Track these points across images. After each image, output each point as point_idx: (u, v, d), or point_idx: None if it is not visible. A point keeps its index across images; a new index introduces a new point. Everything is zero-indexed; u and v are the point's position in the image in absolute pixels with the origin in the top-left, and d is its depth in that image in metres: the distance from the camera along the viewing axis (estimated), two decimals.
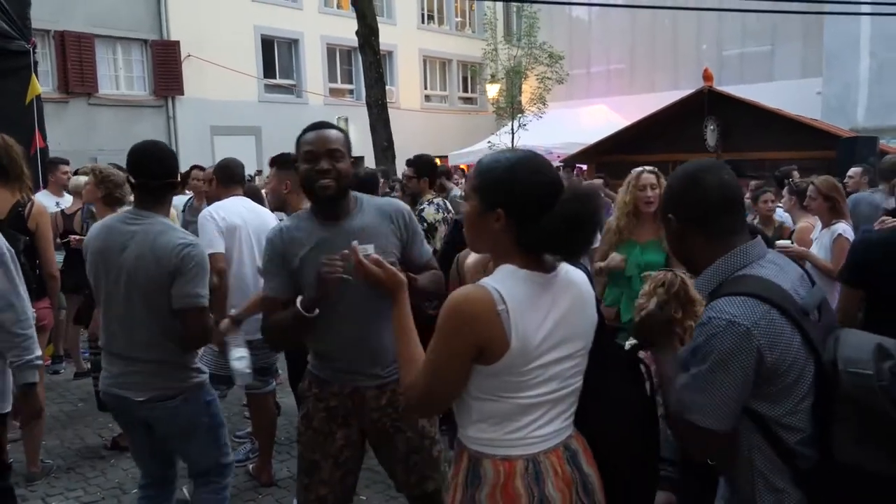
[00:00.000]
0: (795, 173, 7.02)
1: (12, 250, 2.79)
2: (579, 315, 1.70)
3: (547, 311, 1.62)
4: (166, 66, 16.03)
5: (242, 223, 3.95)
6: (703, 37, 18.66)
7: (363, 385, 2.43)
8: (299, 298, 2.26)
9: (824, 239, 4.55)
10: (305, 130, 2.41)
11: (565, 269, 1.73)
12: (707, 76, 11.39)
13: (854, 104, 15.65)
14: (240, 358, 3.40)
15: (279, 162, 3.84)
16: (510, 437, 1.63)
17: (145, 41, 15.91)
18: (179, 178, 2.85)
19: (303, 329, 2.32)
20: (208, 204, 6.01)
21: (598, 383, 1.76)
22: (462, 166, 17.19)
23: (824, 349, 1.56)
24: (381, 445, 2.56)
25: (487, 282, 1.61)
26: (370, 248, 2.06)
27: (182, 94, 16.30)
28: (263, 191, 5.74)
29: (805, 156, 9.87)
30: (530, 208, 1.59)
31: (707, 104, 11.39)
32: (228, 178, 4.24)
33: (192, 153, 14.11)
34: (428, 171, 5.36)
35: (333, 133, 2.38)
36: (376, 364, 2.42)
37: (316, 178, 2.30)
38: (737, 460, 1.62)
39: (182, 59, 16.12)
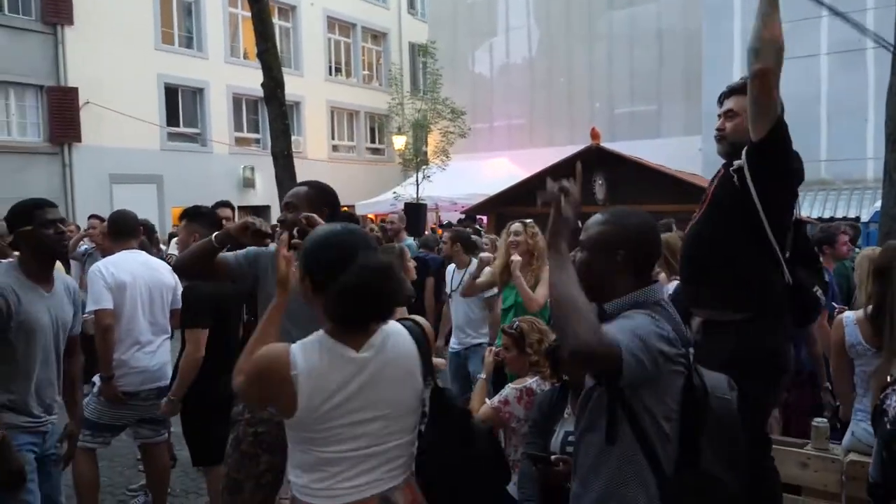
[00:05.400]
0: (673, 226, 7.60)
1: None
2: (390, 386, 1.81)
3: (344, 381, 1.75)
4: (63, 113, 15.63)
5: (132, 279, 3.84)
6: (596, 96, 19.86)
7: None
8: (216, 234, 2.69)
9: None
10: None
11: (387, 345, 1.82)
12: (594, 135, 12.14)
13: None
14: None
15: (189, 214, 3.87)
16: (315, 487, 1.78)
17: (41, 87, 15.51)
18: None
19: (208, 259, 2.69)
20: (103, 256, 6.00)
21: (431, 442, 1.97)
22: (370, 216, 17.43)
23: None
24: None
25: (296, 344, 1.78)
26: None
27: (80, 141, 15.89)
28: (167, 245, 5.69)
29: (684, 209, 10.61)
30: (322, 279, 1.75)
31: (595, 160, 12.13)
32: (119, 231, 4.07)
33: (90, 202, 13.78)
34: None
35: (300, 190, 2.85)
36: None
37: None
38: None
39: (80, 105, 15.77)
